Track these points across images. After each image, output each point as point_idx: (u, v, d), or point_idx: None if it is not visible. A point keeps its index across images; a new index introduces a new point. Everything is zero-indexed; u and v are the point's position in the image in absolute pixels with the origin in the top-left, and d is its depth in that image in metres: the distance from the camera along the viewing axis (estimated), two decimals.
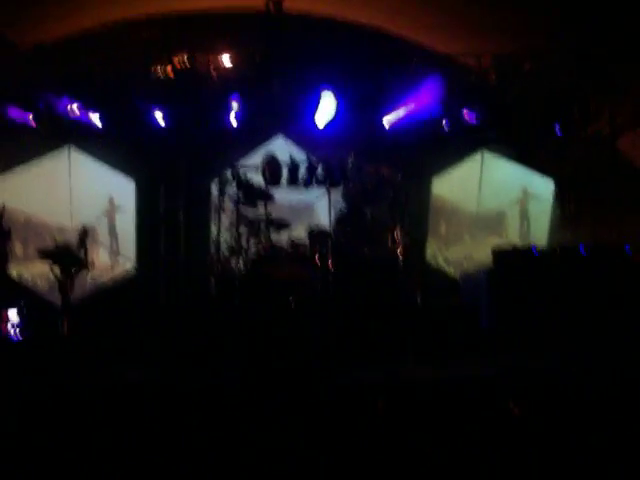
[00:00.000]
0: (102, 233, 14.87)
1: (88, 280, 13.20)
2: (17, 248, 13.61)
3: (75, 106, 13.12)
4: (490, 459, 5.84)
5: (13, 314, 11.16)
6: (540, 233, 15.08)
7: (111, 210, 14.82)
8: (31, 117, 13.12)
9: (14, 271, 13.13)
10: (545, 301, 9.84)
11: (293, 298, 10.44)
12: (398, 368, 8.04)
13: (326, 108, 13.36)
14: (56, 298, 11.28)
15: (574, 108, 14.65)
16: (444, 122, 14.22)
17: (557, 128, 14.69)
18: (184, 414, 6.60)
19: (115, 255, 14.93)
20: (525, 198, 15.86)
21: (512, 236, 15.55)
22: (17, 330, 11.05)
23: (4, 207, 10.97)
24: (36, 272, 13.53)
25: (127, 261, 14.77)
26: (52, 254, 10.37)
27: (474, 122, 14.17)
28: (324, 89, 13.06)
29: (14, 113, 12.95)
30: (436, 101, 13.52)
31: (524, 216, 15.88)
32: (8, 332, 11.00)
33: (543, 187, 15.59)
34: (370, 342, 8.88)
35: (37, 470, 5.65)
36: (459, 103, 14.12)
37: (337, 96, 12.97)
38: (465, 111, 14.11)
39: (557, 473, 5.62)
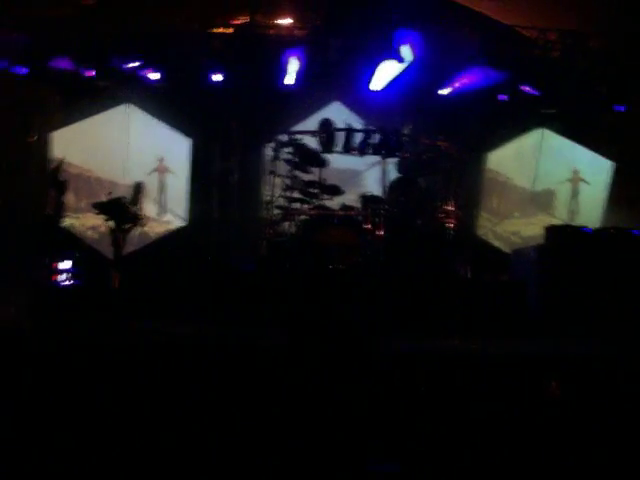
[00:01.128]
0: (154, 190, 14.96)
1: (140, 235, 13.35)
2: (70, 200, 13.81)
3: (136, 63, 13.25)
4: (522, 439, 5.82)
5: (65, 264, 11.39)
6: (594, 214, 14.84)
7: (162, 169, 14.85)
8: (92, 72, 13.29)
9: (67, 223, 13.40)
10: (596, 281, 9.70)
11: (343, 264, 10.45)
12: (444, 340, 8.02)
13: (384, 74, 13.27)
14: (107, 251, 11.46)
15: (637, 89, 14.37)
16: (504, 96, 14.08)
17: (618, 108, 14.45)
18: (228, 371, 6.65)
19: (165, 212, 15.01)
20: (577, 178, 15.59)
21: (562, 215, 15.32)
22: (68, 279, 11.28)
23: (62, 160, 11.11)
24: (89, 225, 13.83)
25: (180, 219, 14.91)
26: (107, 208, 10.45)
27: (535, 97, 13.99)
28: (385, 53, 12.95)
29: (76, 68, 13.11)
30: (497, 74, 13.36)
31: (575, 196, 15.63)
32: (59, 281, 11.23)
33: (601, 168, 15.34)
34: (417, 312, 8.86)
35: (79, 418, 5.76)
36: (521, 77, 13.94)
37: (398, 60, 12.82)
38: (526, 86, 13.93)
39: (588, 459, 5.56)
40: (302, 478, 5.00)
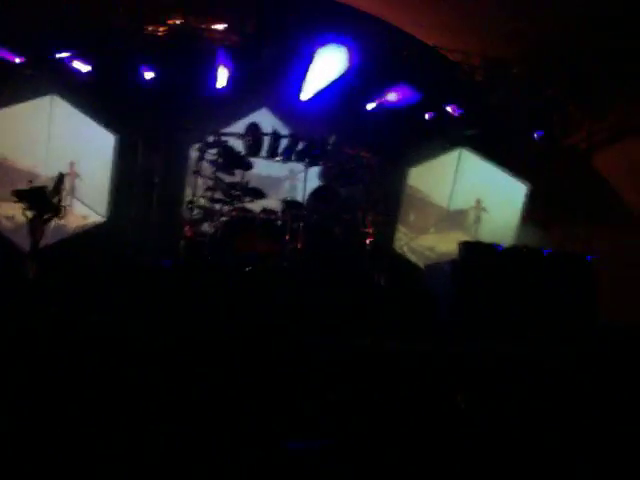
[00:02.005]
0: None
1: (57, 227, 13.21)
2: None
3: (65, 53, 13.15)
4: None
5: None
6: (507, 235, 15.32)
7: (72, 174, 14.71)
8: (20, 60, 13.12)
9: None
10: (505, 295, 10.08)
11: (260, 269, 10.53)
12: (355, 339, 8.20)
13: (314, 83, 13.52)
14: (23, 242, 11.33)
15: (555, 118, 14.94)
16: (427, 114, 14.48)
17: (537, 135, 14.99)
18: (143, 360, 6.70)
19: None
20: (478, 207, 16.14)
21: (476, 234, 15.81)
22: None
23: None
24: (4, 214, 13.61)
25: (99, 215, 14.80)
26: (27, 196, 10.35)
27: (457, 117, 14.43)
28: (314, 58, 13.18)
29: (4, 54, 12.93)
30: (421, 93, 13.75)
31: (477, 222, 16.16)
32: None
33: (516, 190, 15.87)
34: (332, 313, 9.01)
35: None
36: (444, 97, 14.36)
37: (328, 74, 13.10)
38: (449, 106, 14.36)
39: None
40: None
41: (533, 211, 15.41)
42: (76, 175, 14.72)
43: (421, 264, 14.14)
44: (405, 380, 6.88)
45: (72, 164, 14.61)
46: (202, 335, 7.29)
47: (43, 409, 5.82)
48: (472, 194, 16.06)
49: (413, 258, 15.61)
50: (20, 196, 10.33)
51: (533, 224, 15.11)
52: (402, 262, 15.21)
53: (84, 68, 13.45)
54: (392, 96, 13.74)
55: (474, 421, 6.56)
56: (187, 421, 5.84)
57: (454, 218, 16.22)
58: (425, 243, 15.98)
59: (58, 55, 13.19)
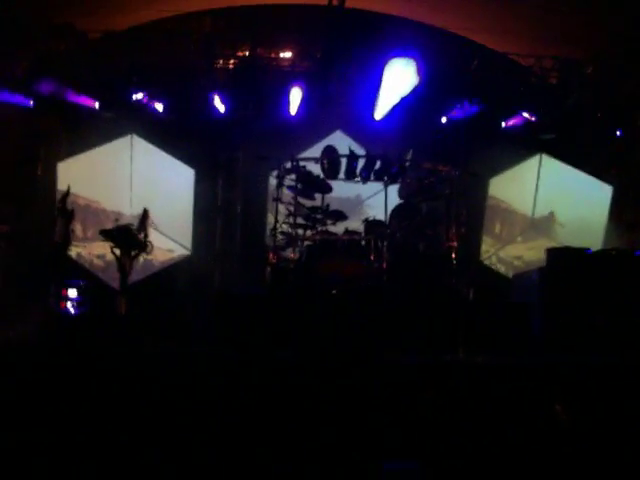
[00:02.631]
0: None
1: (145, 263, 13.53)
2: (78, 230, 14.01)
3: (140, 94, 13.53)
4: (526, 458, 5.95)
5: (72, 292, 11.57)
6: (596, 238, 14.97)
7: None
8: (98, 104, 13.56)
9: (73, 252, 13.61)
10: (598, 301, 9.82)
11: (346, 292, 10.50)
12: (449, 354, 8.12)
13: (386, 102, 13.54)
14: (113, 279, 11.61)
15: (636, 115, 14.60)
16: (503, 122, 14.33)
17: (618, 134, 14.66)
18: (238, 391, 6.75)
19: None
20: (553, 219, 15.83)
21: (564, 241, 15.46)
22: (75, 307, 11.46)
23: (69, 188, 11.30)
24: (96, 253, 14.03)
25: (184, 249, 15.07)
26: (113, 235, 10.63)
27: (533, 123, 14.24)
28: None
29: (82, 100, 13.37)
30: (496, 101, 13.63)
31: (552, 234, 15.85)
32: (67, 308, 11.40)
33: (601, 193, 15.53)
34: (423, 331, 8.93)
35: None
36: (519, 103, 14.19)
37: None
38: (525, 112, 14.18)
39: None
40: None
41: (620, 212, 15.04)
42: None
43: (510, 274, 13.90)
44: (500, 394, 6.77)
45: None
46: (296, 360, 7.31)
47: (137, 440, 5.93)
48: (556, 200, 15.75)
49: (502, 269, 15.42)
50: (107, 235, 10.64)
51: (621, 225, 14.76)
52: (490, 274, 15.05)
53: (160, 106, 13.82)
54: (465, 108, 13.68)
55: (575, 433, 6.41)
56: (286, 446, 5.86)
57: (540, 225, 15.92)
58: (513, 253, 15.73)
59: (134, 96, 13.59)
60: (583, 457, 6.12)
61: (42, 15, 12.52)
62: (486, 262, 15.50)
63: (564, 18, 12.96)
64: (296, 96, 13.70)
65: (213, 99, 13.83)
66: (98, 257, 14.09)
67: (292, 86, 13.58)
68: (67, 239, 10.97)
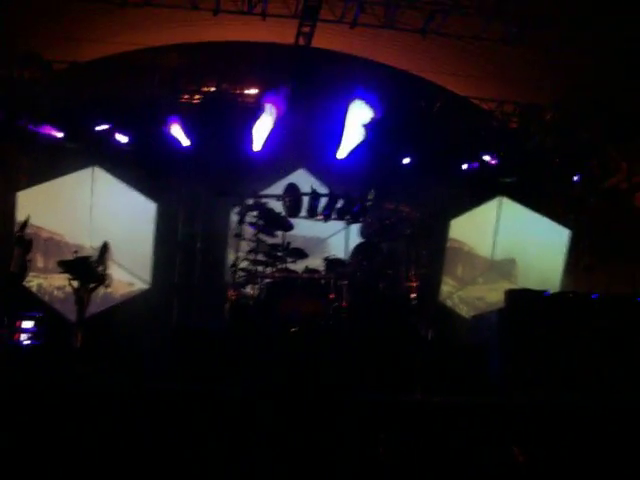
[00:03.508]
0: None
1: (103, 296, 13.39)
2: (39, 261, 13.94)
3: (104, 126, 13.49)
4: None
5: (27, 324, 11.40)
6: (554, 281, 15.15)
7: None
8: (61, 135, 13.48)
9: (34, 283, 13.48)
10: (556, 343, 9.91)
11: (305, 330, 10.47)
12: (407, 394, 8.11)
13: (348, 143, 13.68)
14: (71, 311, 11.46)
15: (593, 161, 14.87)
16: (464, 164, 14.53)
17: (575, 179, 14.92)
18: (192, 425, 6.68)
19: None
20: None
21: (524, 283, 15.59)
22: (29, 339, 11.29)
23: (28, 218, 11.17)
24: (55, 285, 13.88)
25: (143, 282, 14.96)
26: (72, 266, 10.51)
27: (494, 166, 14.45)
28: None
29: (45, 130, 13.29)
30: (458, 143, 13.83)
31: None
32: (20, 340, 11.23)
33: (558, 236, 15.76)
34: (380, 371, 8.93)
35: None
36: (480, 147, 14.41)
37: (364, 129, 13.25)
38: (486, 155, 14.40)
39: None
40: None
41: (578, 255, 15.26)
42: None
43: (470, 315, 13.98)
44: (458, 434, 6.77)
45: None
46: (251, 396, 7.25)
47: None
48: (515, 242, 15.94)
49: (464, 309, 15.56)
50: (65, 267, 10.51)
51: (578, 268, 14.96)
52: (449, 314, 15.16)
53: (123, 139, 13.79)
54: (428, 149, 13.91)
55: (533, 475, 6.42)
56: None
57: (500, 267, 16.09)
58: (475, 294, 15.89)
59: (97, 128, 13.55)
60: None
61: (7, 42, 12.46)
62: (447, 302, 15.63)
63: (526, 65, 13.23)
64: (260, 133, 13.73)
65: (177, 133, 13.82)
66: (58, 289, 13.92)
67: (256, 123, 13.60)
68: (24, 269, 10.79)
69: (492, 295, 15.13)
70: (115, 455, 6.19)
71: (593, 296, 10.77)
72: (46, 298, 14.19)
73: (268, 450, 6.24)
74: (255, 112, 13.53)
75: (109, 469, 6.05)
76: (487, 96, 14.41)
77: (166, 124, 13.77)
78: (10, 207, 13.82)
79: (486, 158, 14.47)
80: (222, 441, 6.36)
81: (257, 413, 6.73)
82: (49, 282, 14.18)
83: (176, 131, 13.89)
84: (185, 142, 14.02)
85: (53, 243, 14.48)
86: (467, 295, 15.87)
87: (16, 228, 11.58)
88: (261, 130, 13.61)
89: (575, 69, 12.95)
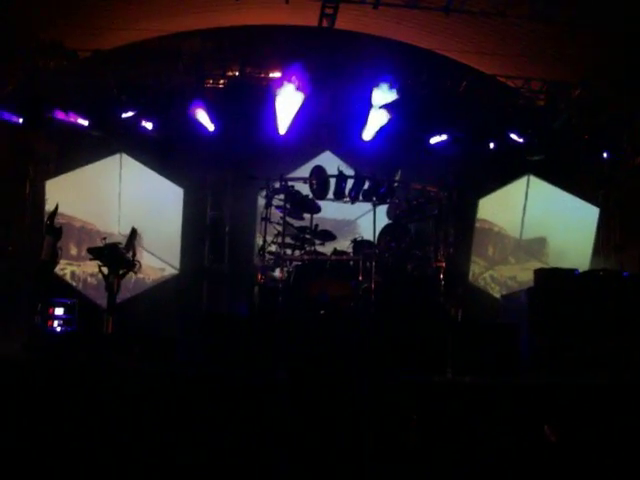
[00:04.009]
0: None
1: (134, 282, 13.52)
2: (72, 249, 14.19)
3: (130, 113, 13.54)
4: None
5: (59, 310, 11.54)
6: (584, 260, 15.03)
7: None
8: (87, 123, 13.54)
9: (67, 270, 13.64)
10: (586, 321, 9.85)
11: (335, 312, 10.48)
12: (435, 375, 8.09)
13: (374, 123, 13.65)
14: (102, 297, 11.55)
15: (622, 137, 14.68)
16: (492, 143, 14.42)
17: (605, 156, 14.75)
18: (231, 408, 6.72)
19: None
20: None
21: (554, 262, 15.47)
22: (61, 325, 11.44)
23: (57, 206, 11.22)
24: (88, 272, 14.11)
25: (172, 267, 15.05)
26: (101, 253, 10.55)
27: (521, 144, 14.33)
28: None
29: (71, 118, 13.36)
30: (484, 122, 13.74)
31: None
32: (53, 327, 11.37)
33: (588, 214, 15.62)
34: (411, 352, 8.92)
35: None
36: (507, 125, 14.29)
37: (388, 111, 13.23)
38: (513, 133, 14.27)
39: None
40: None
41: (607, 234, 15.11)
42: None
43: (500, 295, 13.89)
44: (488, 415, 6.76)
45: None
46: (281, 380, 7.29)
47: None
48: (544, 221, 15.82)
49: (495, 289, 15.53)
50: (94, 253, 10.55)
51: (609, 247, 14.83)
52: (479, 295, 15.08)
53: (149, 125, 13.84)
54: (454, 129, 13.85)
55: (564, 454, 6.40)
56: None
57: (529, 246, 15.99)
58: (505, 273, 15.83)
59: (123, 115, 13.59)
60: (572, 478, 6.11)
61: (30, 32, 12.53)
62: (477, 282, 15.60)
63: (552, 41, 13.08)
64: (285, 116, 13.72)
65: (202, 118, 13.84)
66: (91, 276, 14.16)
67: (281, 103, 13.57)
68: (55, 257, 10.85)
69: (522, 274, 15.04)
70: (145, 439, 6.25)
71: (624, 274, 10.70)
72: (79, 285, 14.40)
73: (300, 431, 6.27)
74: (279, 95, 13.50)
75: (138, 453, 6.11)
76: (513, 74, 14.25)
77: (191, 109, 13.77)
78: (40, 196, 13.94)
79: (513, 136, 14.31)
80: (252, 425, 6.39)
81: (287, 397, 6.76)
82: (82, 269, 14.40)
83: (201, 116, 13.90)
84: (210, 127, 14.03)
85: (85, 231, 14.60)
86: (497, 275, 15.81)
87: (46, 217, 11.65)
88: (286, 113, 13.58)
89: (602, 45, 12.78)
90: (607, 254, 14.84)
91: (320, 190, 12.00)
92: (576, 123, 14.55)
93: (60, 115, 13.24)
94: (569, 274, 10.78)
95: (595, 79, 13.74)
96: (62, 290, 12.80)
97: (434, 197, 11.86)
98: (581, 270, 11.20)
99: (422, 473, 6.12)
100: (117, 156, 14.68)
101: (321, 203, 12.10)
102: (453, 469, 6.23)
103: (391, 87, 13.13)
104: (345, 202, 12.30)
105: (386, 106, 13.45)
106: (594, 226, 15.61)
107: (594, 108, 14.33)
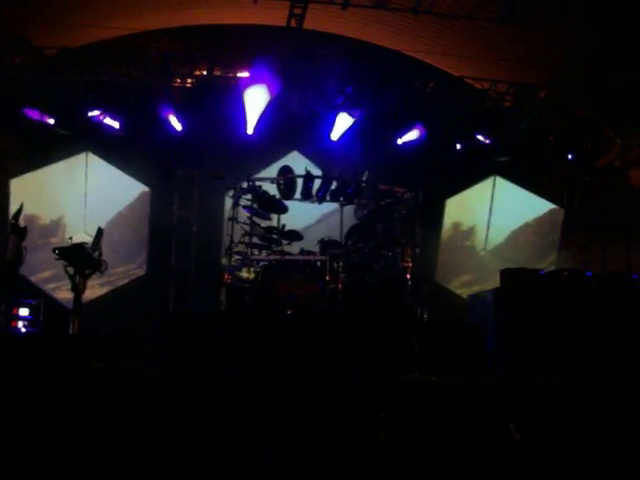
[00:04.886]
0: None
1: (100, 281, 13.39)
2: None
3: (96, 112, 13.44)
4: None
5: (23, 311, 11.43)
6: (548, 260, 15.20)
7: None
8: (53, 121, 13.41)
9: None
10: (549, 321, 9.97)
11: (302, 313, 10.49)
12: (402, 375, 8.13)
13: (342, 124, 13.70)
14: (67, 298, 11.47)
15: (587, 138, 14.87)
16: (458, 144, 14.53)
17: (570, 157, 14.92)
18: (188, 409, 6.69)
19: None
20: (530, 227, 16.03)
21: (519, 262, 15.62)
22: (26, 326, 11.33)
23: (22, 205, 11.11)
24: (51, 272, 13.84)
25: (139, 267, 14.96)
26: (67, 253, 10.46)
27: (487, 145, 14.45)
28: (340, 107, 13.46)
29: (37, 116, 13.23)
30: (451, 123, 13.85)
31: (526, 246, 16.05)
32: (17, 327, 11.26)
33: (552, 215, 15.79)
34: (377, 351, 8.95)
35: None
36: (474, 126, 14.40)
37: (353, 114, 13.30)
38: (479, 134, 14.39)
39: None
40: None
41: (572, 234, 15.26)
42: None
43: (466, 295, 14.01)
44: (454, 413, 6.80)
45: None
46: (248, 380, 7.27)
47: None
48: (510, 221, 15.97)
49: (460, 289, 15.63)
50: (61, 253, 10.44)
51: (573, 247, 14.98)
52: (445, 295, 15.18)
53: (116, 124, 13.74)
54: (421, 130, 13.94)
55: (529, 452, 6.45)
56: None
57: (495, 247, 16.14)
58: (470, 273, 15.97)
59: (90, 113, 13.49)
60: (537, 476, 6.17)
61: None
62: (443, 282, 15.65)
63: (518, 43, 13.20)
64: (252, 116, 13.71)
65: (169, 118, 13.78)
66: (55, 276, 13.89)
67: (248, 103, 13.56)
68: (19, 257, 10.75)
69: (487, 275, 15.17)
70: (113, 442, 6.20)
71: (588, 274, 10.83)
72: (44, 285, 14.16)
73: (265, 433, 6.26)
74: (247, 95, 13.47)
75: (107, 455, 6.06)
76: (480, 75, 14.34)
77: (158, 109, 13.70)
78: (5, 194, 13.78)
79: (480, 138, 14.44)
80: (219, 426, 6.38)
81: (253, 397, 6.75)
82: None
83: (168, 115, 13.82)
84: (178, 126, 13.96)
85: (51, 229, 14.44)
86: (463, 275, 15.90)
87: (10, 216, 11.53)
88: (254, 113, 13.56)
89: (567, 46, 12.90)
90: (572, 254, 14.98)
91: (287, 190, 12.05)
92: (542, 124, 14.70)
93: (25, 113, 13.12)
94: (534, 274, 10.90)
95: (560, 80, 13.87)
96: (27, 290, 12.64)
97: (401, 197, 11.94)
98: (546, 270, 11.32)
99: (390, 471, 6.14)
100: (83, 155, 14.53)
101: (288, 203, 12.13)
102: (420, 467, 6.25)
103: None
104: (312, 202, 12.35)
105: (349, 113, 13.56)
106: (559, 226, 15.78)
107: (559, 109, 14.49)
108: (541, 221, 16.05)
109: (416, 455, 6.18)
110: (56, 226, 14.57)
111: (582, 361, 9.38)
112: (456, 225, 16.01)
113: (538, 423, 6.73)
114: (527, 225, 16.06)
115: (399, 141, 14.45)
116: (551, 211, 15.97)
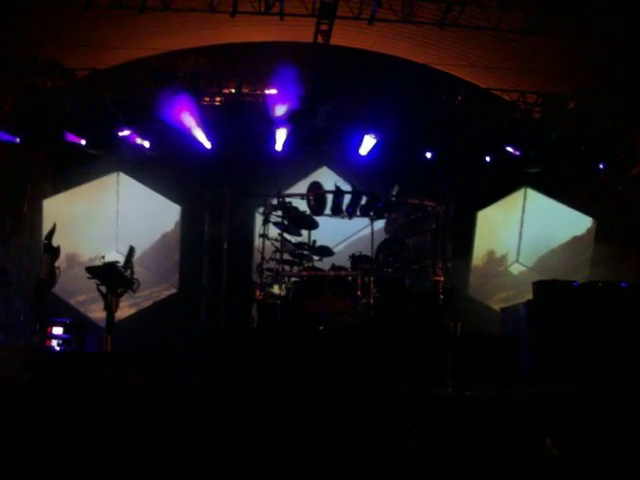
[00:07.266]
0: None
1: (132, 300, 13.47)
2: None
3: (127, 131, 13.58)
4: None
5: (57, 330, 11.54)
6: (582, 271, 15.04)
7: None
8: (84, 142, 13.58)
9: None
10: (585, 334, 9.85)
11: (334, 328, 10.47)
12: (437, 389, 8.08)
13: (370, 139, 13.72)
14: (100, 317, 11.54)
15: (618, 148, 14.74)
16: (488, 156, 14.46)
17: (601, 167, 14.80)
18: (231, 423, 6.70)
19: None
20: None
21: (552, 274, 15.48)
22: (60, 345, 11.43)
23: (55, 225, 11.22)
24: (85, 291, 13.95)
25: (171, 285, 15.04)
26: (99, 273, 10.53)
27: (517, 157, 14.38)
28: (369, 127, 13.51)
29: (69, 137, 13.39)
30: (480, 135, 13.80)
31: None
32: (51, 346, 11.36)
33: (585, 225, 15.65)
34: (409, 370, 8.91)
35: None
36: (503, 138, 14.33)
37: (382, 129, 13.32)
38: (509, 147, 14.32)
39: None
40: None
41: (605, 245, 15.11)
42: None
43: (499, 308, 13.91)
44: (489, 428, 6.74)
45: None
46: (284, 396, 7.26)
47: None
48: (542, 233, 15.83)
49: (494, 302, 15.49)
50: (92, 272, 10.51)
51: (606, 258, 14.82)
52: (478, 308, 15.03)
53: (146, 144, 13.88)
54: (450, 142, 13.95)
55: (565, 467, 6.38)
56: None
57: (528, 259, 16.01)
58: (504, 286, 15.85)
59: (120, 133, 13.64)
60: None
61: (27, 51, 12.58)
62: (476, 295, 15.53)
63: (547, 54, 13.15)
64: (282, 133, 13.78)
65: (199, 136, 13.87)
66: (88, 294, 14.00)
67: (277, 123, 13.65)
68: (52, 276, 10.85)
69: (521, 287, 15.03)
70: (145, 456, 6.22)
71: (622, 285, 10.69)
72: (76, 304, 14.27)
73: (297, 449, 6.24)
74: (275, 112, 13.54)
75: (138, 470, 6.08)
76: (508, 87, 14.30)
77: (187, 127, 13.80)
78: (38, 215, 13.95)
79: (510, 149, 14.37)
80: (251, 441, 6.37)
81: (287, 412, 6.74)
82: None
83: (198, 134, 13.92)
84: (207, 144, 14.05)
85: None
86: (496, 287, 15.79)
87: (43, 236, 11.65)
88: (282, 130, 13.63)
89: (596, 55, 12.83)
90: (606, 265, 14.82)
91: (318, 206, 12.03)
92: (572, 135, 14.59)
93: (58, 134, 13.28)
94: (568, 286, 10.77)
95: (590, 90, 13.78)
96: (61, 309, 12.76)
97: (431, 211, 11.86)
98: (580, 282, 11.20)
99: None
100: (114, 174, 14.71)
101: (319, 219, 12.13)
102: None
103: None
104: (343, 218, 12.33)
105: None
106: (592, 237, 15.63)
107: (589, 119, 14.38)
108: (574, 234, 15.83)
109: (451, 471, 6.13)
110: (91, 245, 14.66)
111: (618, 374, 9.26)
112: (487, 237, 15.88)
113: (574, 437, 6.65)
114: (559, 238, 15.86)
115: (428, 155, 14.42)
116: (584, 222, 15.77)
